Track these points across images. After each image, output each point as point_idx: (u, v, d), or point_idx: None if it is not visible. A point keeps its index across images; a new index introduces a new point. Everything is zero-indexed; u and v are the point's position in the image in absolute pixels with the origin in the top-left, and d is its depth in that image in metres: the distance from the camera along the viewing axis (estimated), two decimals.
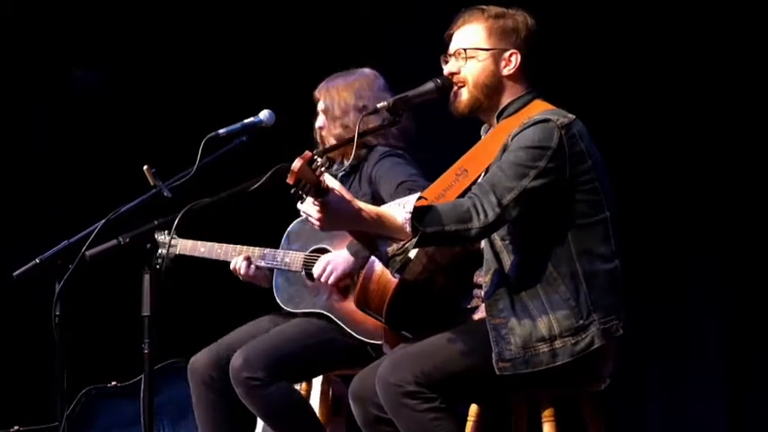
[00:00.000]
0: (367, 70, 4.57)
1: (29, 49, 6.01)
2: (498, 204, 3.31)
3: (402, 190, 4.21)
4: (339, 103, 4.47)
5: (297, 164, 3.07)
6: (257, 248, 4.53)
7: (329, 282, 4.34)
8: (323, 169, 3.10)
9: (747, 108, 5.06)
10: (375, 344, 4.23)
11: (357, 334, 4.31)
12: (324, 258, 4.37)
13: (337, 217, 3.23)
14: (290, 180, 3.09)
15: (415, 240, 3.27)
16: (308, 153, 3.09)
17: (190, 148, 3.79)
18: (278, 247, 4.56)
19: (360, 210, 3.25)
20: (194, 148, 3.77)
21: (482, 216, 3.30)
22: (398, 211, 3.26)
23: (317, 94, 4.55)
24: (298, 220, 4.53)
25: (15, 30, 5.99)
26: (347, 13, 5.91)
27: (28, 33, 6.01)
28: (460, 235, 3.31)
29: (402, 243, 3.32)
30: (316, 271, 4.36)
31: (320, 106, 4.53)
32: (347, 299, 4.36)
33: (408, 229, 3.25)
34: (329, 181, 3.17)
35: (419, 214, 3.25)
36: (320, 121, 4.52)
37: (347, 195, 3.24)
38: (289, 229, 4.54)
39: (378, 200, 4.32)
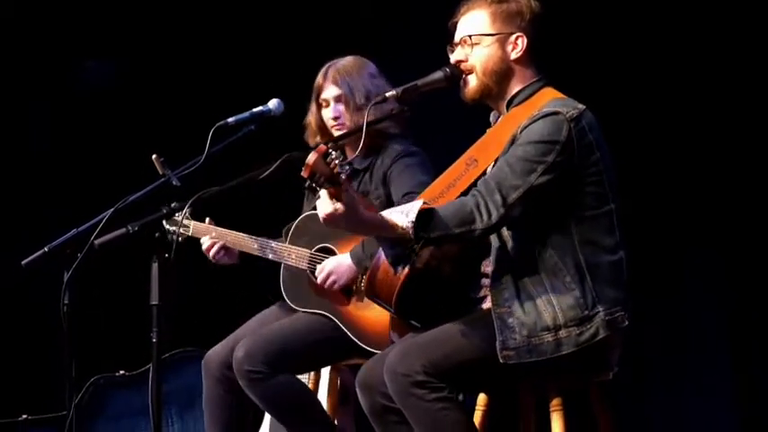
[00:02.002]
0: (359, 56, 4.48)
1: (30, 45, 6.00)
2: (503, 204, 3.33)
3: (405, 202, 4.18)
4: (360, 89, 4.36)
5: (311, 157, 3.07)
6: (268, 240, 4.50)
7: (332, 289, 4.33)
8: (337, 162, 3.10)
9: (746, 102, 5.05)
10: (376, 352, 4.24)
11: (360, 342, 4.29)
12: (328, 265, 4.33)
13: (344, 218, 3.24)
14: (304, 173, 3.10)
15: (419, 245, 3.32)
16: (322, 146, 3.09)
17: (199, 138, 3.79)
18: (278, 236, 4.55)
19: (365, 215, 3.27)
20: (203, 138, 3.77)
21: (485, 217, 3.32)
22: (401, 218, 3.29)
23: (327, 80, 4.41)
24: (305, 214, 4.50)
25: (15, 27, 5.98)
26: (348, 8, 5.91)
27: (28, 30, 6.01)
28: (464, 237, 3.34)
29: (408, 246, 3.35)
30: (319, 276, 4.33)
31: (332, 93, 4.40)
32: (350, 302, 4.35)
33: (411, 235, 3.28)
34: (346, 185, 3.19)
35: (423, 220, 3.28)
36: (335, 111, 4.39)
37: (356, 197, 3.25)
38: (296, 223, 4.49)
39: (390, 201, 4.31)
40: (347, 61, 4.46)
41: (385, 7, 5.88)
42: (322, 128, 4.46)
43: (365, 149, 4.17)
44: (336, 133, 4.39)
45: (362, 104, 4.31)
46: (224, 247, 4.52)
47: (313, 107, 4.47)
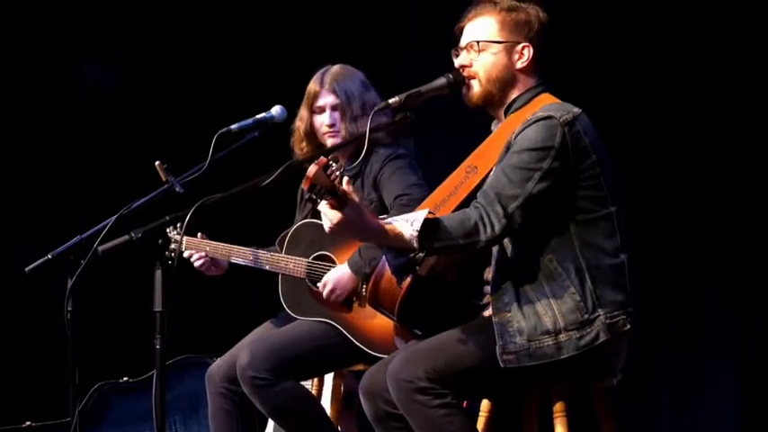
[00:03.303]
0: (350, 66, 4.49)
1: (31, 48, 6.01)
2: (504, 214, 3.33)
3: (398, 206, 4.19)
4: (358, 98, 4.38)
5: (312, 169, 3.08)
6: (261, 251, 4.50)
7: (336, 301, 4.33)
8: (338, 173, 3.11)
9: (754, 108, 5.05)
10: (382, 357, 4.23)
11: (364, 347, 4.29)
12: (330, 280, 4.32)
13: (350, 227, 3.25)
14: (304, 185, 3.12)
15: (422, 255, 3.33)
16: (323, 158, 3.10)
17: (202, 144, 3.80)
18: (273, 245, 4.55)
19: (370, 223, 3.27)
20: (206, 144, 3.78)
21: (489, 229, 3.33)
22: (406, 227, 3.29)
23: (323, 87, 4.41)
24: (299, 223, 4.50)
25: (16, 29, 5.99)
26: (350, 12, 5.93)
27: (30, 33, 6.01)
28: (468, 248, 3.35)
29: (411, 255, 3.36)
30: (324, 292, 4.32)
31: (329, 101, 4.40)
32: (352, 309, 4.34)
33: (416, 244, 3.28)
34: (348, 190, 3.18)
35: (427, 229, 3.28)
36: (330, 117, 4.39)
37: (362, 206, 3.26)
38: (290, 233, 4.48)
39: (383, 205, 4.31)
40: (341, 69, 4.47)
41: (385, 11, 5.89)
42: (311, 134, 4.46)
43: (357, 155, 4.19)
44: (329, 140, 4.41)
45: (358, 114, 4.34)
46: (211, 260, 4.52)
47: (304, 113, 4.46)
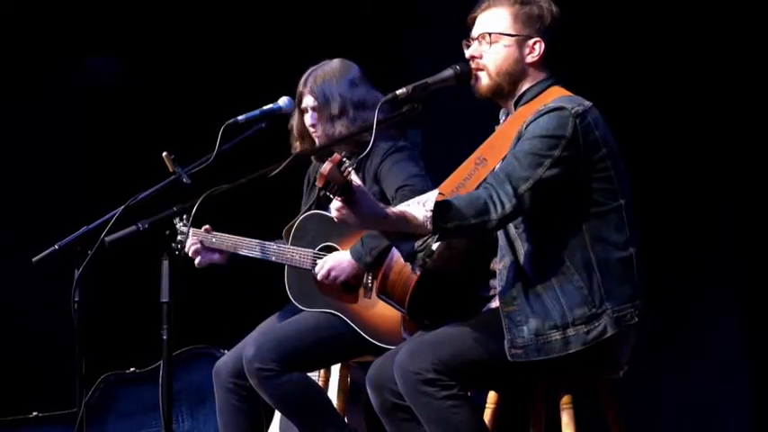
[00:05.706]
0: (345, 60, 4.47)
1: (38, 42, 6.02)
2: (515, 194, 3.32)
3: (400, 197, 4.17)
4: (336, 99, 4.35)
5: (326, 167, 3.10)
6: (268, 242, 4.50)
7: (334, 286, 4.32)
8: (350, 170, 3.12)
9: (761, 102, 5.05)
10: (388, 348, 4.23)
11: (370, 338, 4.28)
12: (328, 261, 4.32)
13: (364, 216, 3.25)
14: (318, 183, 3.13)
15: (435, 236, 3.32)
16: (336, 156, 3.11)
17: (209, 135, 3.80)
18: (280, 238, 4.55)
19: (384, 209, 3.27)
20: (213, 135, 3.78)
21: (499, 208, 3.32)
22: (419, 209, 3.28)
23: (305, 89, 4.40)
24: (304, 215, 4.49)
25: (19, 24, 6.00)
26: (353, 6, 5.93)
27: (36, 27, 6.02)
28: (479, 228, 3.33)
29: (424, 239, 3.35)
30: (319, 272, 4.32)
31: (308, 102, 4.38)
32: (357, 300, 4.34)
33: (429, 226, 3.28)
34: (356, 181, 3.19)
35: (439, 210, 3.27)
36: (312, 118, 4.38)
37: (371, 195, 3.27)
38: (295, 224, 4.48)
39: (384, 198, 4.30)
40: (328, 68, 4.44)
41: (387, 6, 5.89)
42: (303, 133, 4.45)
43: (355, 150, 4.19)
44: (317, 140, 4.41)
45: (335, 115, 4.33)
46: (206, 248, 4.50)
47: (296, 112, 4.44)
